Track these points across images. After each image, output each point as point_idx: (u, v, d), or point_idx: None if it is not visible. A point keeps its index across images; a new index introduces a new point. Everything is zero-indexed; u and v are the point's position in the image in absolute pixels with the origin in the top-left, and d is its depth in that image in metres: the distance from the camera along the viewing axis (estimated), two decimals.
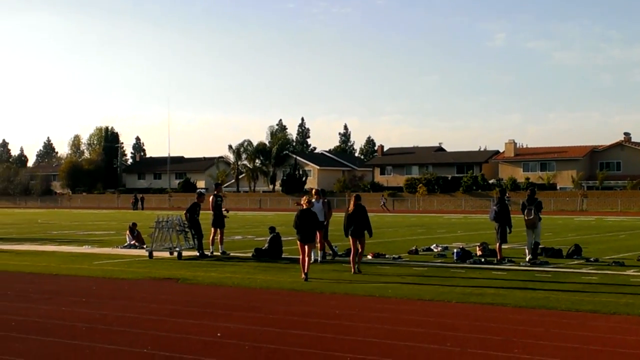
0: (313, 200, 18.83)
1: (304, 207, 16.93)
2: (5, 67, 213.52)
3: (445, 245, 24.05)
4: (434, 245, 24.05)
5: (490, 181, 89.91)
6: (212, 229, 21.95)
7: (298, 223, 16.63)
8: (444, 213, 70.85)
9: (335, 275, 16.94)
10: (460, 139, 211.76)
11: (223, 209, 22.35)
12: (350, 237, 17.66)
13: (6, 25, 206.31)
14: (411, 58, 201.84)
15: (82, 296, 13.55)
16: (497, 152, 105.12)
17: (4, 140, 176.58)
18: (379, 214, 64.53)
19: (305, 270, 16.10)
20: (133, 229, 25.33)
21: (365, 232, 17.77)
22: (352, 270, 17.32)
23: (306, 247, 16.37)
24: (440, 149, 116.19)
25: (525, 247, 20.07)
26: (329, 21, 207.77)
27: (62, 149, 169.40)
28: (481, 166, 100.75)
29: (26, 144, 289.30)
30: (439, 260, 20.35)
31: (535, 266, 18.57)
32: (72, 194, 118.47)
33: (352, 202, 18.01)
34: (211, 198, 22.43)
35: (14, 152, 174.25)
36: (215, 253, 21.63)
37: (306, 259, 16.25)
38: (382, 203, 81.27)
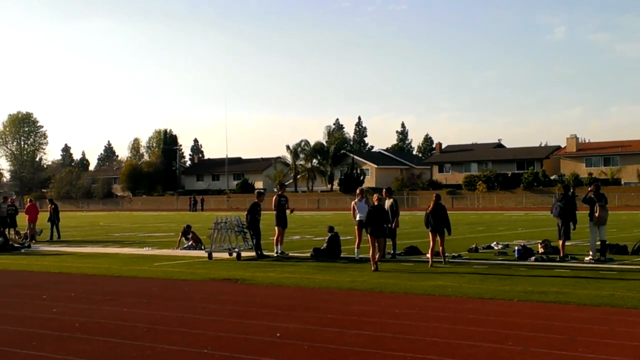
0: (357, 199, 20.11)
1: (375, 203, 18.18)
2: (67, 73, 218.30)
3: (506, 243, 23.71)
4: (495, 243, 23.73)
5: (552, 177, 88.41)
6: (276, 229, 21.98)
7: (370, 218, 17.88)
8: (504, 210, 69.94)
9: (394, 274, 16.82)
10: (520, 134, 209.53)
11: (287, 209, 22.33)
12: (430, 232, 18.82)
13: (67, 31, 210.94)
14: (469, 53, 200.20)
15: (143, 297, 13.71)
16: (559, 147, 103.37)
17: (66, 144, 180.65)
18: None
19: (376, 260, 17.41)
20: (187, 231, 25.50)
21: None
22: (430, 262, 18.47)
23: (376, 241, 17.53)
24: (499, 146, 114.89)
25: (589, 244, 19.61)
26: (384, 19, 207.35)
27: (122, 152, 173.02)
28: (542, 162, 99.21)
29: (88, 148, 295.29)
30: (500, 258, 20.07)
31: (600, 263, 18.17)
32: (132, 197, 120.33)
33: (432, 201, 19.21)
34: (274, 198, 22.47)
35: (76, 156, 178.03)
36: (273, 254, 21.65)
37: (376, 252, 17.48)
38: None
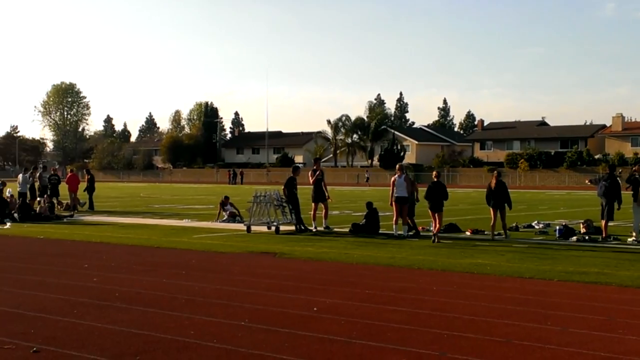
0: (396, 175, 20.13)
1: (434, 179, 19.29)
2: (110, 45, 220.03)
3: (547, 222, 23.43)
4: (535, 222, 23.47)
5: (596, 156, 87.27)
6: (313, 204, 21.96)
7: (429, 193, 18.94)
8: (547, 189, 69.23)
9: (433, 251, 16.74)
10: (564, 113, 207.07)
11: (324, 185, 22.19)
12: (491, 208, 19.57)
13: (111, 3, 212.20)
14: (514, 30, 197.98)
15: (182, 269, 13.82)
16: (604, 126, 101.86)
17: (108, 115, 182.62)
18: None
19: (435, 232, 18.58)
20: (225, 202, 25.63)
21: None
22: (491, 236, 19.35)
23: (436, 214, 18.67)
24: (543, 124, 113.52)
25: (633, 224, 19.30)
26: None
27: (164, 124, 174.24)
28: (586, 141, 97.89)
29: (129, 120, 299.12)
30: (540, 238, 19.86)
31: None
32: (172, 169, 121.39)
33: (494, 178, 19.95)
34: (310, 173, 22.43)
35: (118, 127, 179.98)
36: (319, 228, 21.65)
37: (437, 225, 18.67)
38: (366, 178, 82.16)
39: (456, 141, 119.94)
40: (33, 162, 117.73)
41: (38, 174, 31.63)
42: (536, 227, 22.43)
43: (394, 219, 20.21)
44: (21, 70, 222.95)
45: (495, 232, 20.10)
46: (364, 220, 21.22)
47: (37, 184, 31.03)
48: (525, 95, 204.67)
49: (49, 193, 30.48)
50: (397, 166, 20.97)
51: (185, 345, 7.98)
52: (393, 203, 20.18)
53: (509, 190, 20.25)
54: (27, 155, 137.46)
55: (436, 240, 18.42)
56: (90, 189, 32.99)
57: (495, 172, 20.55)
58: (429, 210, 19.02)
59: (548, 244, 18.38)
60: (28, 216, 25.80)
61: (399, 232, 19.91)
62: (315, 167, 22.79)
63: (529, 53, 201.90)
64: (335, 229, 22.00)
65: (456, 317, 9.43)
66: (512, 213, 28.36)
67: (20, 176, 30.39)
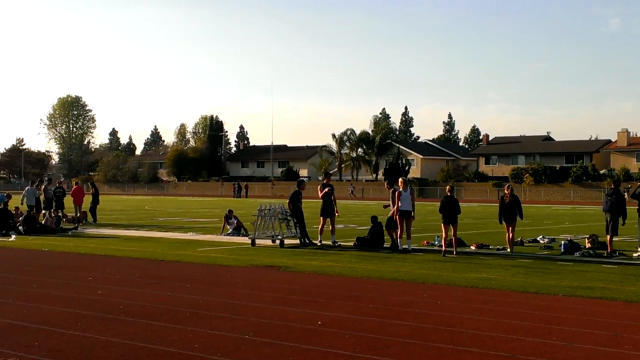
0: (401, 189, 20.08)
1: (447, 194, 19.78)
2: (116, 58, 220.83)
3: (552, 237, 23.40)
4: (540, 236, 23.44)
5: (601, 171, 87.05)
6: (321, 219, 21.94)
7: (443, 207, 19.42)
8: (552, 204, 69.13)
9: (438, 265, 16.71)
10: (569, 127, 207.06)
11: (334, 199, 22.15)
12: (504, 222, 19.92)
13: (116, 17, 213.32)
14: (519, 45, 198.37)
15: (187, 282, 13.82)
16: (609, 141, 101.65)
17: (113, 128, 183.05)
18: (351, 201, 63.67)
19: (444, 248, 18.91)
20: (230, 215, 25.66)
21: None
22: (510, 249, 19.78)
23: (451, 226, 19.13)
24: (548, 138, 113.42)
25: (638, 239, 19.26)
26: (434, 8, 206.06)
27: (169, 138, 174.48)
28: (591, 156, 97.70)
29: (135, 133, 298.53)
30: (545, 252, 19.83)
31: None
32: (177, 182, 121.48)
33: (508, 192, 20.15)
34: (319, 187, 22.41)
35: (123, 140, 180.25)
36: (324, 242, 21.60)
37: (449, 237, 19.20)
38: (350, 191, 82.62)
39: (461, 155, 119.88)
40: (39, 175, 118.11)
41: (43, 187, 31.70)
42: (541, 241, 22.40)
43: (398, 232, 20.14)
44: (27, 83, 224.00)
45: (500, 247, 20.11)
46: (369, 234, 21.21)
47: (42, 197, 31.08)
48: (530, 110, 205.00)
49: (54, 206, 30.53)
50: (401, 180, 20.71)
51: (190, 358, 7.97)
52: (397, 217, 20.12)
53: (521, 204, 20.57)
54: (32, 168, 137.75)
55: (444, 253, 18.65)
56: (93, 202, 33.04)
57: (508, 186, 20.75)
58: (442, 224, 19.27)
59: (553, 258, 18.34)
60: (33, 229, 25.84)
61: (404, 246, 19.85)
62: (325, 181, 22.74)
63: (534, 68, 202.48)
64: (340, 243, 21.97)
65: (461, 331, 9.41)
66: (517, 228, 28.29)
67: (27, 189, 30.42)
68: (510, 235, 19.89)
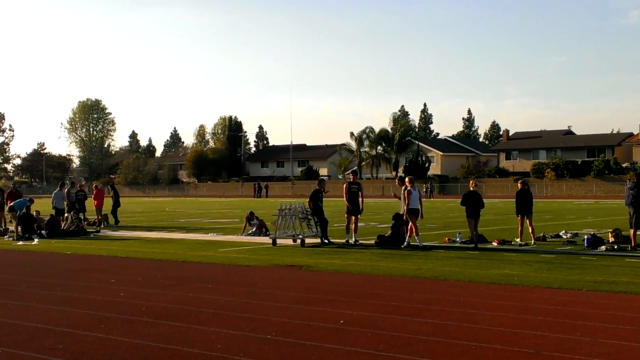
0: (410, 188, 20.33)
1: (471, 188, 20.90)
2: (135, 60, 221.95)
3: (575, 232, 23.22)
4: (563, 231, 23.26)
5: (624, 165, 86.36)
6: (347, 217, 21.94)
7: (465, 200, 20.48)
8: (574, 198, 68.65)
9: (460, 262, 16.64)
10: (590, 121, 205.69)
11: (360, 197, 22.10)
12: (518, 215, 20.84)
13: (135, 19, 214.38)
14: (538, 38, 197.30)
15: (208, 283, 13.84)
16: (631, 134, 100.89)
17: (133, 131, 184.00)
18: (372, 200, 63.14)
19: (475, 239, 19.87)
20: (251, 217, 25.68)
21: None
22: (532, 240, 20.54)
23: (473, 220, 20.08)
24: (569, 133, 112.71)
25: None
26: (451, 4, 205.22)
27: (188, 139, 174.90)
28: (613, 149, 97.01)
29: (154, 135, 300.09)
30: (568, 247, 19.68)
31: None
32: (197, 183, 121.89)
33: (520, 186, 21.30)
34: (345, 185, 22.37)
35: (143, 142, 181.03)
36: (350, 241, 21.55)
37: (474, 231, 20.04)
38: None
39: (481, 151, 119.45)
40: (60, 178, 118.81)
41: (65, 190, 31.88)
42: (564, 236, 22.24)
43: (415, 230, 20.17)
44: (47, 87, 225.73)
45: (523, 242, 20.03)
46: (390, 232, 21.16)
47: (64, 201, 31.24)
48: (550, 104, 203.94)
49: (76, 208, 30.72)
50: (408, 179, 20.95)
51: (212, 359, 7.97)
52: (407, 215, 20.22)
53: (533, 199, 21.38)
54: (54, 171, 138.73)
55: (476, 246, 19.63)
56: (115, 204, 33.20)
57: (522, 181, 21.57)
58: (467, 218, 20.36)
59: (576, 253, 18.20)
60: (56, 232, 26.00)
61: (424, 243, 19.84)
62: (351, 179, 22.73)
63: (553, 62, 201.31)
64: (361, 241, 21.93)
65: (484, 328, 9.35)
66: (540, 222, 28.12)
67: (55, 192, 30.59)
68: (530, 228, 20.53)
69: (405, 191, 20.35)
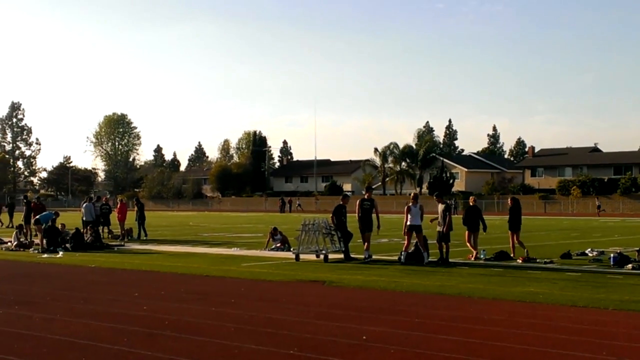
0: (410, 204, 20.85)
1: (470, 204, 22.04)
2: (160, 75, 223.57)
3: (601, 250, 22.98)
4: (589, 249, 23.03)
5: None
6: (362, 234, 21.87)
7: (468, 215, 21.58)
8: (600, 216, 67.99)
9: (484, 279, 16.51)
10: (617, 138, 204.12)
11: (374, 213, 21.98)
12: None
13: (160, 35, 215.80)
14: (566, 55, 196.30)
15: (231, 297, 13.84)
16: None
17: (158, 145, 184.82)
18: (394, 215, 62.86)
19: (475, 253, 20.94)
20: (275, 233, 25.68)
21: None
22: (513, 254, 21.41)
23: (472, 235, 21.31)
24: (595, 150, 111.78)
25: None
26: (479, 20, 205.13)
27: (212, 154, 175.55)
28: None
29: (179, 149, 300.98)
30: (594, 265, 19.48)
31: None
32: (221, 197, 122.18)
33: (511, 202, 22.32)
34: (358, 202, 22.27)
35: (168, 157, 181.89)
36: (359, 257, 21.44)
37: (470, 244, 21.28)
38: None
39: (506, 168, 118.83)
40: (85, 192, 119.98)
41: (82, 203, 32.12)
42: (590, 254, 22.02)
43: (405, 245, 20.70)
44: (74, 101, 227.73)
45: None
46: (413, 248, 21.06)
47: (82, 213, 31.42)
48: (577, 121, 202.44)
49: (102, 222, 30.94)
50: (412, 195, 21.81)
51: None
52: (406, 231, 20.81)
53: (521, 214, 22.41)
54: (79, 185, 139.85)
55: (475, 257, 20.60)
56: (140, 218, 33.36)
57: (513, 198, 22.92)
58: (467, 232, 21.29)
59: (602, 272, 18.00)
60: (80, 245, 26.16)
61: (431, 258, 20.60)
62: (366, 196, 22.55)
63: (581, 79, 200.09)
64: (384, 257, 21.85)
65: (508, 346, 9.26)
66: (566, 240, 27.91)
67: (85, 205, 30.79)
68: (516, 241, 21.67)
69: (406, 207, 20.97)
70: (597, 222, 53.01)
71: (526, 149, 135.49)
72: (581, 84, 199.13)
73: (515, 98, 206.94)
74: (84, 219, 30.02)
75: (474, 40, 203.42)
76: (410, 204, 20.87)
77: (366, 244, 21.66)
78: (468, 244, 21.51)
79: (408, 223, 20.71)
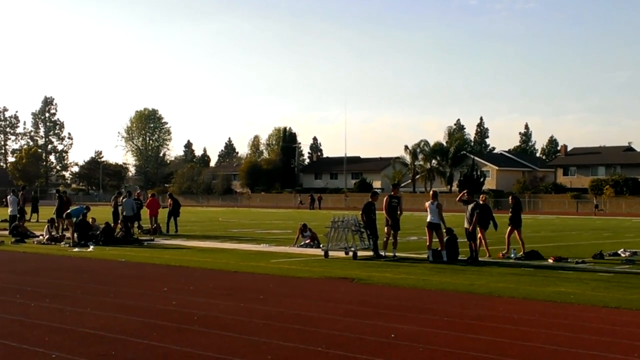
0: (429, 202, 20.79)
1: (481, 202, 21.34)
2: (191, 71, 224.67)
3: (634, 250, 22.71)
4: (622, 250, 22.73)
5: None
6: (386, 230, 21.68)
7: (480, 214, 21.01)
8: (633, 216, 67.19)
9: (514, 278, 16.38)
10: None
11: (399, 212, 21.87)
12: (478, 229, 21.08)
13: (191, 31, 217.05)
14: (599, 53, 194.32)
15: (260, 293, 13.86)
16: None
17: (188, 141, 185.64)
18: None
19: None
20: (304, 229, 25.67)
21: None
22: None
23: (483, 231, 21.13)
24: (629, 149, 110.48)
25: None
26: (512, 17, 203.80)
27: (242, 149, 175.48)
28: None
29: (209, 145, 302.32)
30: (627, 266, 19.23)
31: None
32: (251, 193, 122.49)
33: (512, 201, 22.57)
34: (385, 199, 22.13)
35: (198, 152, 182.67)
36: (388, 254, 21.32)
37: (484, 241, 21.28)
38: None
39: (538, 167, 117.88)
40: (116, 186, 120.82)
41: (121, 199, 32.31)
42: (622, 255, 21.75)
43: (427, 243, 20.68)
44: (106, 97, 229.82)
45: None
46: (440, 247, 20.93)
47: (120, 209, 31.66)
48: (611, 120, 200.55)
49: (133, 215, 31.13)
50: (432, 192, 21.70)
51: None
52: (426, 228, 20.89)
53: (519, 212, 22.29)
54: (110, 180, 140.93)
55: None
56: (174, 213, 33.52)
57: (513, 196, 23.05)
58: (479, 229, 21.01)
59: (635, 273, 17.78)
60: (111, 240, 26.37)
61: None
62: (393, 193, 22.46)
63: (615, 77, 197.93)
64: (414, 255, 21.76)
65: (538, 346, 9.16)
66: (598, 240, 27.64)
67: (124, 200, 30.97)
68: (518, 238, 21.76)
69: (425, 205, 21.11)
70: (630, 222, 52.37)
71: (558, 148, 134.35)
72: (615, 82, 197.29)
73: (548, 96, 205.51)
74: (125, 214, 30.20)
75: (507, 38, 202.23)
76: (429, 202, 20.84)
77: (394, 241, 21.46)
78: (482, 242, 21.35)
79: (428, 221, 20.77)
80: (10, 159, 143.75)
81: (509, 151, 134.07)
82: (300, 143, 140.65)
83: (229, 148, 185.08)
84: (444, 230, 20.82)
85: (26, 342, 9.29)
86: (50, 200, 66.91)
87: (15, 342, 9.29)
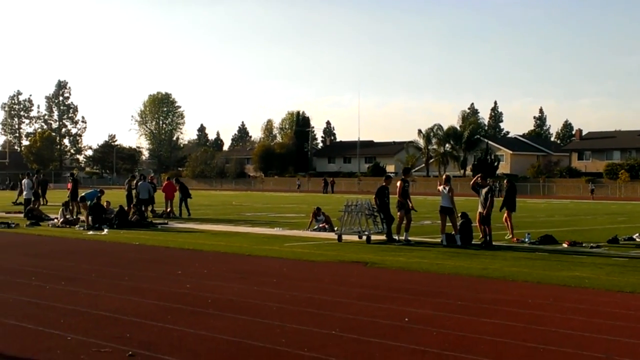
0: (441, 186, 20.91)
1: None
2: (204, 55, 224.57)
3: None
4: (637, 234, 22.61)
5: None
6: (399, 214, 21.64)
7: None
8: (594, 199, 66.87)
9: (528, 262, 16.33)
10: None
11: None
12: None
13: (205, 14, 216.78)
14: (615, 37, 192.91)
15: (273, 277, 13.88)
16: None
17: (202, 124, 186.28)
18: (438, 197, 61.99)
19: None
20: (317, 213, 25.68)
21: None
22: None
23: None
24: None
25: None
26: (526, 1, 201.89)
27: (256, 133, 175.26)
28: None
29: (222, 128, 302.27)
30: None
31: None
32: (264, 177, 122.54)
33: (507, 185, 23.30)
34: (399, 183, 22.09)
35: (211, 136, 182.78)
36: (401, 238, 21.27)
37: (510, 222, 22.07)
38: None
39: (552, 151, 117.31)
40: (130, 170, 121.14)
41: (135, 182, 32.44)
42: (638, 239, 21.64)
43: (441, 228, 20.87)
44: (119, 81, 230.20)
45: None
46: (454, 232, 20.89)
47: (134, 192, 31.80)
48: (626, 104, 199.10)
49: (146, 200, 31.23)
50: (444, 177, 21.92)
51: (277, 353, 7.98)
52: (439, 213, 21.16)
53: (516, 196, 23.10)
54: (123, 163, 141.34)
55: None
56: (183, 197, 33.59)
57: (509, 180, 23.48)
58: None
59: None
60: (125, 223, 26.47)
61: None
62: (404, 177, 22.47)
63: (630, 61, 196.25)
64: (427, 239, 21.74)
65: (552, 331, 9.14)
66: (613, 225, 27.52)
67: (140, 183, 31.09)
68: (510, 224, 22.14)
69: (439, 189, 21.24)
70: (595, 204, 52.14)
71: (573, 132, 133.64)
72: (630, 66, 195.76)
73: (562, 80, 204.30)
74: (140, 196, 30.33)
75: (522, 22, 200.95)
76: (442, 186, 20.92)
77: (406, 224, 21.41)
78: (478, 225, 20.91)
79: (441, 205, 20.97)
80: (25, 142, 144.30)
81: (523, 135, 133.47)
82: (313, 127, 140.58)
83: (242, 132, 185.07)
84: (458, 215, 20.80)
85: (42, 324, 9.35)
86: (64, 184, 67.22)
87: (31, 324, 9.35)
